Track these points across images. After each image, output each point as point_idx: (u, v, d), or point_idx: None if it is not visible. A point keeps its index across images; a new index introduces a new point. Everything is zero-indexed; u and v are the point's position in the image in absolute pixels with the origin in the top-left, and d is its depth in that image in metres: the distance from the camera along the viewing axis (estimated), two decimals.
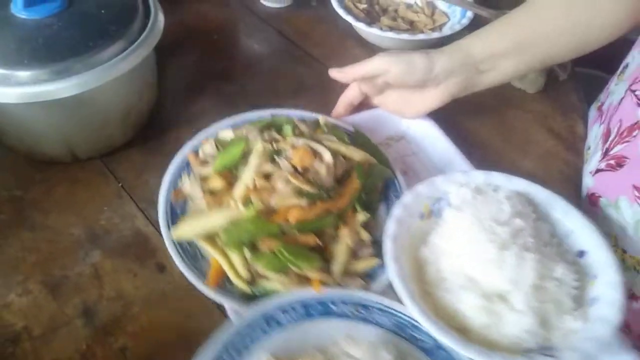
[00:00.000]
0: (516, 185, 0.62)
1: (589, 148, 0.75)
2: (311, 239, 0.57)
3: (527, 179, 0.63)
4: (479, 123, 0.82)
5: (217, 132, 0.68)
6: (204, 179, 0.63)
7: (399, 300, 0.54)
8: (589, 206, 0.67)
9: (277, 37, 0.97)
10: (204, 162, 0.65)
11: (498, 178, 0.63)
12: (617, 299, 0.53)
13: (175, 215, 0.62)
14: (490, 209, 0.58)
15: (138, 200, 0.69)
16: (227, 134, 0.67)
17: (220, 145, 0.66)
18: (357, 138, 0.70)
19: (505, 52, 0.67)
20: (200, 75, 0.88)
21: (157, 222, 0.66)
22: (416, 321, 0.53)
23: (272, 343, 0.52)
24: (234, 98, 0.84)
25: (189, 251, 0.59)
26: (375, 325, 0.54)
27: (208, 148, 0.66)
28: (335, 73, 0.73)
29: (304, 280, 0.57)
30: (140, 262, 0.63)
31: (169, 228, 0.60)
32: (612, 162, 0.65)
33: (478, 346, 0.50)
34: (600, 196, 0.66)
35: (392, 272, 0.54)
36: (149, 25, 0.69)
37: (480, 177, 0.63)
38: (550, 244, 0.58)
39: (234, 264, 0.57)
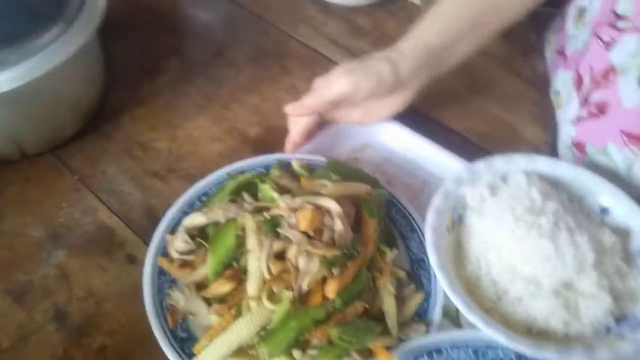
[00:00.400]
0: (518, 164, 0.60)
1: (558, 93, 0.74)
2: (359, 306, 0.51)
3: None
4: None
5: (177, 220, 0.57)
6: (199, 286, 0.53)
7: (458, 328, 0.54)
8: (577, 154, 0.67)
9: (228, 5, 0.93)
10: (185, 264, 0.54)
11: (498, 161, 0.60)
12: None
13: (178, 338, 0.51)
14: (522, 201, 0.55)
15: (97, 191, 0.67)
16: (196, 219, 0.55)
17: (195, 234, 0.55)
18: (333, 167, 0.61)
19: (461, 34, 0.65)
20: (151, 53, 0.84)
21: (121, 212, 0.65)
22: (494, 343, 0.50)
23: None
24: (188, 74, 0.81)
25: None
26: None
27: (180, 244, 0.54)
28: (293, 110, 0.64)
29: (365, 353, 0.50)
30: (108, 256, 0.61)
31: None
32: (593, 109, 0.64)
33: (580, 349, 0.49)
34: (586, 144, 0.65)
35: (459, 304, 0.50)
36: (87, 3, 0.65)
37: (481, 166, 0.60)
38: (577, 212, 0.56)
39: None
